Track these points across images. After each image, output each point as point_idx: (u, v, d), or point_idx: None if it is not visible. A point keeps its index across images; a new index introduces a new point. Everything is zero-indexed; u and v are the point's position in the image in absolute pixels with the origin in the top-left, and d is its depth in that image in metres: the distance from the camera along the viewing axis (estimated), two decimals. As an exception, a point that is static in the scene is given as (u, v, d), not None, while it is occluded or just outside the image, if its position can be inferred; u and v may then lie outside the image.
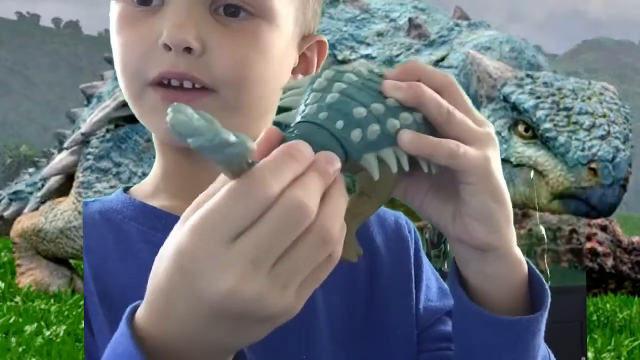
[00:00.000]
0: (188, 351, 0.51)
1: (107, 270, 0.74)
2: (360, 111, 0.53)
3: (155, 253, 0.61)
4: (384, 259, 0.81)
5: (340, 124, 0.52)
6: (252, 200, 0.47)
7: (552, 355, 0.75)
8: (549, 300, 0.66)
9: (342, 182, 0.51)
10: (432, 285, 0.84)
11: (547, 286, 0.67)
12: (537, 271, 0.67)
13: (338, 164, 0.50)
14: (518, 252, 0.65)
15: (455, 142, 0.56)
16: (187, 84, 0.70)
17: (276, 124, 0.58)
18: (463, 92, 0.60)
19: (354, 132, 0.52)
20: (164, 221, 0.74)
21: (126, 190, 0.82)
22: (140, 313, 0.53)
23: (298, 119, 0.54)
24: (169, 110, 0.46)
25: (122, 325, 0.52)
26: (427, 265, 0.85)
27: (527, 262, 0.67)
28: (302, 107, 0.55)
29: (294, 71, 0.79)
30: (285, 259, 0.48)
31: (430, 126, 0.57)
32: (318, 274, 0.50)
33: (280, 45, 0.74)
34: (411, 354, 0.79)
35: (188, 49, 0.69)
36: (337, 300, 0.76)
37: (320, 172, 0.49)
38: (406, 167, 0.54)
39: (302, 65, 0.81)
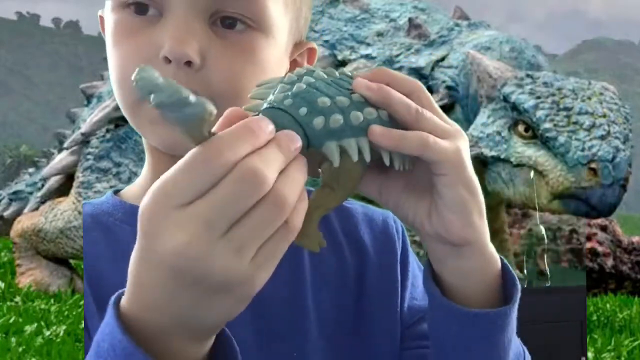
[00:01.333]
0: (164, 325, 0.51)
1: (100, 272, 0.74)
2: (324, 100, 0.54)
3: None
4: (371, 258, 0.81)
5: (303, 110, 0.54)
6: (208, 167, 0.48)
7: (527, 354, 0.76)
8: (519, 295, 0.67)
9: (303, 161, 0.52)
10: (417, 284, 0.85)
11: (517, 282, 0.68)
12: (510, 267, 0.69)
13: (299, 142, 0.52)
14: (492, 247, 0.67)
15: (425, 133, 0.57)
16: None
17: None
18: (431, 98, 0.61)
19: (316, 119, 0.54)
20: None
21: (116, 193, 0.82)
22: (124, 295, 0.54)
23: (265, 106, 0.55)
24: (136, 69, 0.48)
25: (109, 309, 0.54)
26: (413, 263, 0.86)
27: (501, 258, 0.69)
28: (270, 97, 0.56)
29: None
30: (240, 224, 0.48)
31: (395, 125, 0.58)
32: (276, 244, 0.50)
33: (276, 56, 0.76)
34: (395, 352, 0.80)
35: (188, 63, 0.69)
36: (327, 298, 0.77)
37: (280, 146, 0.50)
38: (367, 158, 0.55)
39: (292, 70, 0.81)
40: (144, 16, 0.71)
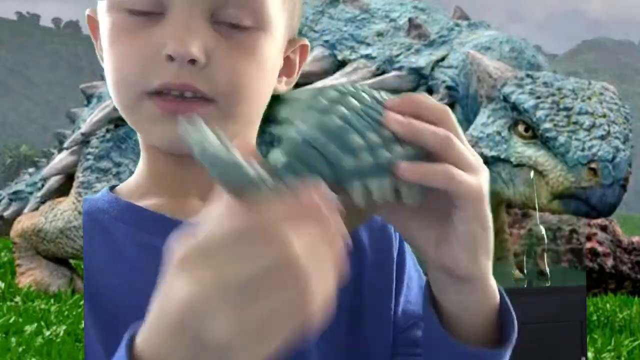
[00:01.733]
0: None
1: (95, 270, 0.74)
2: (356, 139, 0.53)
3: (143, 254, 0.61)
4: (368, 258, 0.81)
5: (334, 148, 0.53)
6: (255, 240, 0.46)
7: None
8: (515, 335, 0.67)
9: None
10: (413, 286, 0.84)
11: (515, 321, 0.68)
12: (509, 304, 0.68)
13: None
14: (493, 283, 0.66)
15: (451, 166, 0.57)
16: (187, 94, 0.71)
17: (268, 132, 0.58)
18: (457, 125, 0.60)
19: (346, 159, 0.53)
20: (151, 221, 0.75)
21: (112, 189, 0.82)
22: (139, 337, 0.51)
23: (293, 134, 0.54)
24: (183, 124, 0.47)
25: (122, 347, 0.51)
26: (410, 264, 0.85)
27: (501, 294, 0.68)
28: (299, 123, 0.55)
29: (279, 74, 0.81)
30: (258, 301, 0.46)
31: (421, 157, 0.58)
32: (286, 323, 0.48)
33: (274, 53, 0.76)
34: (386, 355, 0.80)
35: (192, 61, 0.69)
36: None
37: (329, 242, 0.49)
38: (390, 198, 0.55)
39: (286, 68, 0.82)
40: (143, 17, 0.71)
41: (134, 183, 0.82)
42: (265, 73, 0.75)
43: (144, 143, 0.80)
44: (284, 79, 0.82)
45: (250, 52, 0.72)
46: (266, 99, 0.77)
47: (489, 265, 0.63)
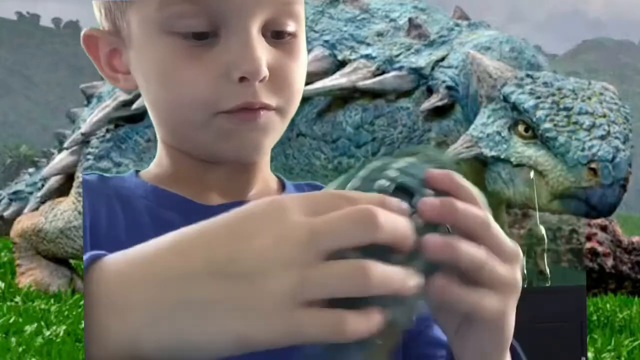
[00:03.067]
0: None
1: (114, 240, 0.74)
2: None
3: (162, 229, 0.62)
4: None
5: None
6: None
7: None
8: None
9: None
10: None
11: None
12: None
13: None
14: None
15: (488, 256, 0.55)
16: (257, 105, 0.75)
17: None
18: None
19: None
20: (175, 202, 0.78)
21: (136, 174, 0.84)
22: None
23: None
24: None
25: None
26: None
27: None
28: None
29: None
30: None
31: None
32: None
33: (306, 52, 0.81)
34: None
35: (263, 78, 0.73)
36: None
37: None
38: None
39: None
40: (199, 40, 0.73)
41: (154, 175, 0.82)
42: (304, 72, 0.80)
43: (166, 147, 0.81)
44: None
45: (297, 57, 0.77)
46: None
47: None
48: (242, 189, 0.79)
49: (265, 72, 0.72)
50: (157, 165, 0.83)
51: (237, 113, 0.74)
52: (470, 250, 0.53)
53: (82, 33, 0.82)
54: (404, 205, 0.51)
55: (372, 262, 0.48)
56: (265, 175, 0.82)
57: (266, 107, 0.74)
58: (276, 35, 0.75)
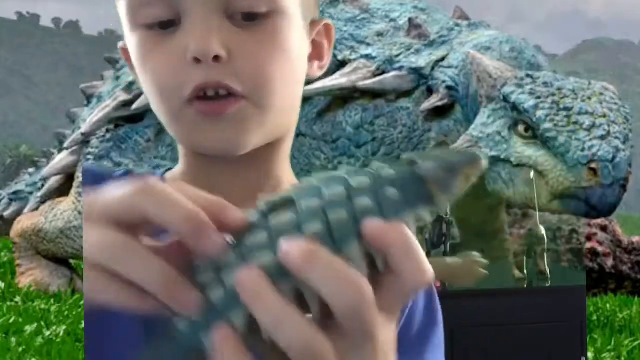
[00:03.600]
0: None
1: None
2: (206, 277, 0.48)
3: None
4: None
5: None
6: None
7: None
8: None
9: None
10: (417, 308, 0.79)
11: None
12: None
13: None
14: None
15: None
16: (222, 92, 0.71)
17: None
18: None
19: (180, 321, 0.47)
20: None
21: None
22: None
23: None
24: None
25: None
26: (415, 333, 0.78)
27: None
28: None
29: (310, 59, 0.80)
30: None
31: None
32: None
33: (297, 36, 0.75)
34: None
35: (217, 58, 0.69)
36: None
37: None
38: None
39: (315, 51, 0.81)
40: (162, 29, 0.72)
41: (173, 174, 0.82)
42: (291, 58, 0.74)
43: (184, 150, 0.80)
44: (316, 62, 0.81)
45: (272, 39, 0.72)
46: (299, 86, 0.77)
47: None
48: (251, 188, 0.74)
49: (215, 50, 0.68)
50: (180, 165, 0.82)
51: (199, 105, 0.71)
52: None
53: (119, 46, 0.81)
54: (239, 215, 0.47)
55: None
56: (280, 175, 0.79)
57: (227, 91, 0.70)
58: (246, 18, 0.71)
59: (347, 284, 0.44)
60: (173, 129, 0.75)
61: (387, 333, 0.48)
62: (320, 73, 0.82)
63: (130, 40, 0.75)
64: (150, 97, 0.75)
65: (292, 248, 0.44)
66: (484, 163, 0.49)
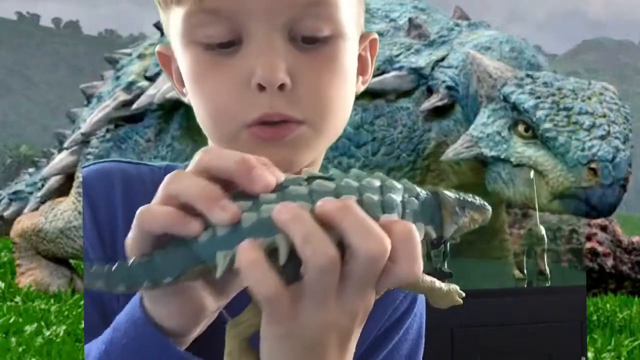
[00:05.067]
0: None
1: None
2: None
3: None
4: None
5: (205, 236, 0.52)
6: None
7: None
8: None
9: None
10: None
11: None
12: None
13: None
14: None
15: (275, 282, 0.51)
16: (282, 118, 0.70)
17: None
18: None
19: (204, 233, 0.52)
20: None
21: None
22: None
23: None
24: None
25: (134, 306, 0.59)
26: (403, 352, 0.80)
27: None
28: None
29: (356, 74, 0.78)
30: None
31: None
32: None
33: (352, 58, 0.74)
34: None
35: (281, 86, 0.68)
36: None
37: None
38: (283, 259, 0.51)
39: (360, 66, 0.79)
40: (223, 49, 0.70)
41: None
42: (347, 80, 0.73)
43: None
44: (360, 78, 0.80)
45: (333, 63, 0.71)
46: (350, 105, 0.76)
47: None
48: None
49: (282, 78, 0.67)
50: None
51: (260, 130, 0.69)
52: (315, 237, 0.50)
53: (155, 50, 0.80)
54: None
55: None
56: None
57: (288, 120, 0.69)
58: (307, 41, 0.69)
59: (375, 236, 0.50)
60: (226, 146, 0.72)
61: (369, 304, 0.54)
62: (363, 88, 0.81)
63: (183, 56, 0.72)
64: (204, 117, 0.73)
65: (329, 200, 0.51)
66: (489, 215, 0.57)
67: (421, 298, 0.84)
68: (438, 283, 0.58)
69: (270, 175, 0.53)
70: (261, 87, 0.68)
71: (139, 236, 0.53)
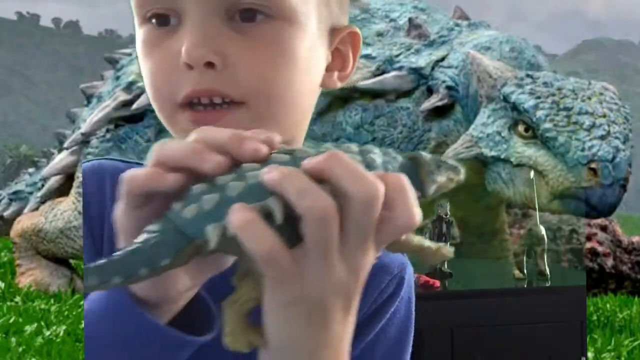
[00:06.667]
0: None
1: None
2: (201, 187, 0.51)
3: None
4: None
5: (178, 207, 0.50)
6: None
7: None
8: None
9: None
10: (375, 350, 0.76)
11: None
12: None
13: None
14: None
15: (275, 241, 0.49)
16: (216, 100, 0.68)
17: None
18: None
19: (187, 209, 0.50)
20: None
21: None
22: None
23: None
24: None
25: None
26: (393, 333, 0.78)
27: None
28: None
29: (329, 69, 0.76)
30: None
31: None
32: None
33: (306, 46, 0.71)
34: None
35: (210, 64, 0.67)
36: None
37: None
38: (279, 219, 0.49)
39: (338, 61, 0.77)
40: (165, 27, 0.70)
41: None
42: (296, 67, 0.70)
43: None
44: (336, 73, 0.77)
45: (273, 45, 0.69)
46: (309, 98, 0.74)
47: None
48: None
49: (207, 56, 0.66)
50: None
51: (192, 114, 0.69)
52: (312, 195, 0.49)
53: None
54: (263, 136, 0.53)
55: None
56: None
57: (223, 97, 0.67)
58: (245, 17, 0.68)
59: (367, 179, 0.50)
60: (170, 129, 0.74)
61: (370, 259, 0.53)
62: (341, 84, 0.78)
63: (137, 35, 0.73)
64: (149, 96, 0.73)
65: (316, 156, 0.50)
66: (462, 177, 0.58)
67: (408, 282, 0.81)
68: (427, 242, 0.58)
69: (260, 143, 0.52)
70: (189, 67, 0.67)
71: (126, 207, 0.53)
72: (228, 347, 0.52)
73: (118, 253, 0.50)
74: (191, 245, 0.49)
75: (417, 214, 0.52)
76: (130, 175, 0.53)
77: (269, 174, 0.49)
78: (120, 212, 0.54)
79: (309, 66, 0.72)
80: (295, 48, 0.70)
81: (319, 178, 0.49)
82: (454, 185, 0.58)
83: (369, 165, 0.52)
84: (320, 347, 0.53)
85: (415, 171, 0.55)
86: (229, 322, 0.52)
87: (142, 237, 0.50)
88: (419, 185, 0.55)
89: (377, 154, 0.54)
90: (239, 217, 0.48)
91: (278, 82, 0.69)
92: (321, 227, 0.49)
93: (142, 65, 0.73)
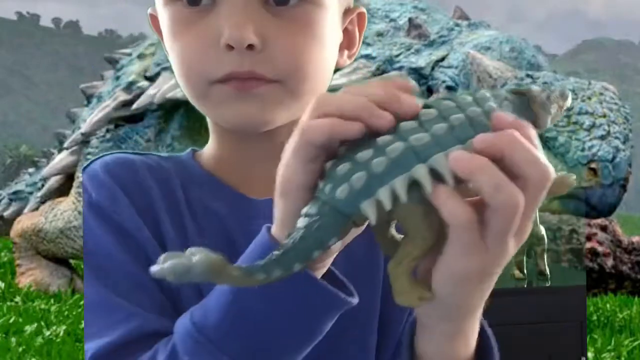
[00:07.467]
0: None
1: (155, 221, 0.73)
2: (347, 167, 0.53)
3: (206, 219, 0.72)
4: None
5: (328, 188, 0.53)
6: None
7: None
8: None
9: None
10: None
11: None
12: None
13: None
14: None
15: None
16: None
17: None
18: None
19: (340, 189, 0.52)
20: (221, 192, 0.77)
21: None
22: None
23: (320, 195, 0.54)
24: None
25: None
26: None
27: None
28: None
29: (340, 48, 0.80)
30: None
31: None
32: None
33: (330, 27, 0.76)
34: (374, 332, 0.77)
35: (250, 46, 0.70)
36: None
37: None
38: (403, 197, 0.52)
39: (345, 40, 0.81)
40: (197, 7, 0.72)
41: (207, 157, 0.82)
42: (324, 47, 0.75)
43: (214, 126, 0.81)
44: (345, 52, 0.81)
45: (305, 27, 0.72)
46: (329, 74, 0.77)
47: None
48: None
49: (250, 39, 0.69)
50: (210, 143, 0.81)
51: (229, 82, 0.71)
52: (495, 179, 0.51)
53: (148, 11, 0.82)
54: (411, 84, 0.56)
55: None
56: None
57: (258, 78, 0.71)
58: (279, 2, 0.72)
59: (541, 163, 0.51)
60: (199, 103, 0.76)
61: (509, 254, 0.55)
62: (349, 62, 0.82)
63: (162, 14, 0.75)
64: (178, 73, 0.75)
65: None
66: (569, 101, 0.60)
67: None
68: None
69: (412, 99, 0.54)
70: (230, 47, 0.70)
71: (301, 162, 0.54)
72: (402, 304, 0.55)
73: (287, 242, 0.53)
74: (350, 221, 0.53)
75: (549, 168, 0.53)
76: (310, 125, 0.53)
77: (460, 162, 0.50)
78: (291, 170, 0.55)
79: (331, 45, 0.77)
80: (323, 30, 0.74)
81: (491, 156, 0.51)
82: (563, 111, 0.59)
83: (488, 113, 0.54)
84: (478, 307, 0.60)
85: (528, 106, 0.57)
86: (397, 282, 0.55)
87: (303, 222, 0.53)
88: (534, 119, 0.56)
89: (491, 100, 0.55)
90: (439, 189, 0.51)
91: (311, 62, 0.73)
92: (512, 219, 0.52)
93: (170, 43, 0.74)
